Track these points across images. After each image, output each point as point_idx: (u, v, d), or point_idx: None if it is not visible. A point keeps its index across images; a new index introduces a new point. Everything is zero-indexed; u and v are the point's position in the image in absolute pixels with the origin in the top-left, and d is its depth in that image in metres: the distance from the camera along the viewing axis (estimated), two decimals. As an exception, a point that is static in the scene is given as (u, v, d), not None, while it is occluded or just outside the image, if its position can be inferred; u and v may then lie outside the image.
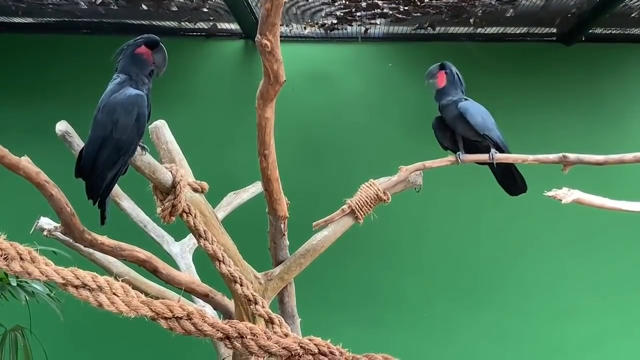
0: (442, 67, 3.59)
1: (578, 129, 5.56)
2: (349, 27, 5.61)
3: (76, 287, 1.65)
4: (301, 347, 1.65)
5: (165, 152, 2.89)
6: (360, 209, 3.21)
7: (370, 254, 5.55)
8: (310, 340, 1.67)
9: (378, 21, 5.48)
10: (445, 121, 3.57)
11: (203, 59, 5.80)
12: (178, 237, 3.74)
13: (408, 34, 5.71)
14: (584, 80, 5.65)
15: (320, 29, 5.63)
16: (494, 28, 5.60)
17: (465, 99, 3.52)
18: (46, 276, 1.64)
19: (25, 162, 2.43)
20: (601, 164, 3.47)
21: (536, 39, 5.75)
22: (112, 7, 5.26)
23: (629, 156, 3.43)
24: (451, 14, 5.27)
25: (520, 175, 3.62)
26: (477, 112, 3.47)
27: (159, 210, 2.70)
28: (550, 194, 3.34)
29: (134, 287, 1.78)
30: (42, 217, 3.21)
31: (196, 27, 5.69)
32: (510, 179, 3.64)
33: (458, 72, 3.58)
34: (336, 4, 5.18)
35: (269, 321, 2.68)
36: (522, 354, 5.45)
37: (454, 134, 3.58)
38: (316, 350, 1.65)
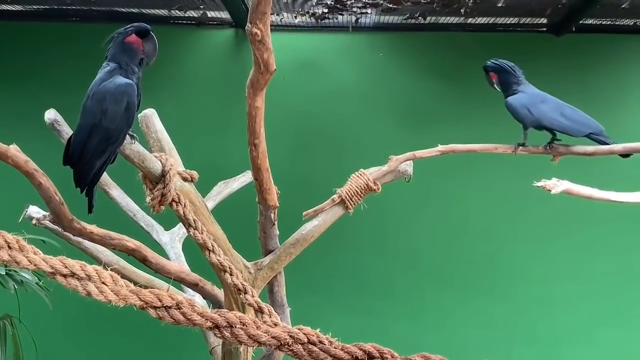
0: (485, 70, 3.56)
1: (568, 119, 5.57)
2: (339, 17, 5.60)
3: (65, 276, 1.65)
4: (290, 336, 1.65)
5: (155, 141, 2.88)
6: (351, 199, 3.21)
7: (360, 244, 5.56)
8: (299, 329, 1.67)
9: (369, 11, 5.47)
10: None
11: (193, 47, 5.77)
12: (167, 226, 3.73)
13: (399, 23, 5.70)
14: (575, 71, 5.66)
15: (311, 18, 5.62)
16: (485, 18, 5.60)
17: (515, 92, 3.50)
18: (35, 265, 1.64)
19: (13, 150, 2.41)
20: (590, 155, 3.49)
21: (527, 29, 5.75)
22: (102, -6, 5.23)
23: (618, 147, 3.44)
24: (442, 3, 5.26)
25: None
26: (522, 105, 3.45)
27: (148, 199, 2.69)
28: (539, 184, 3.35)
29: (123, 276, 1.78)
30: (30, 206, 3.20)
31: (186, 15, 5.66)
32: None
33: (506, 63, 3.51)
34: (327, -7, 5.17)
35: (259, 310, 2.69)
36: (511, 341, 5.49)
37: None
38: (305, 340, 1.65)
